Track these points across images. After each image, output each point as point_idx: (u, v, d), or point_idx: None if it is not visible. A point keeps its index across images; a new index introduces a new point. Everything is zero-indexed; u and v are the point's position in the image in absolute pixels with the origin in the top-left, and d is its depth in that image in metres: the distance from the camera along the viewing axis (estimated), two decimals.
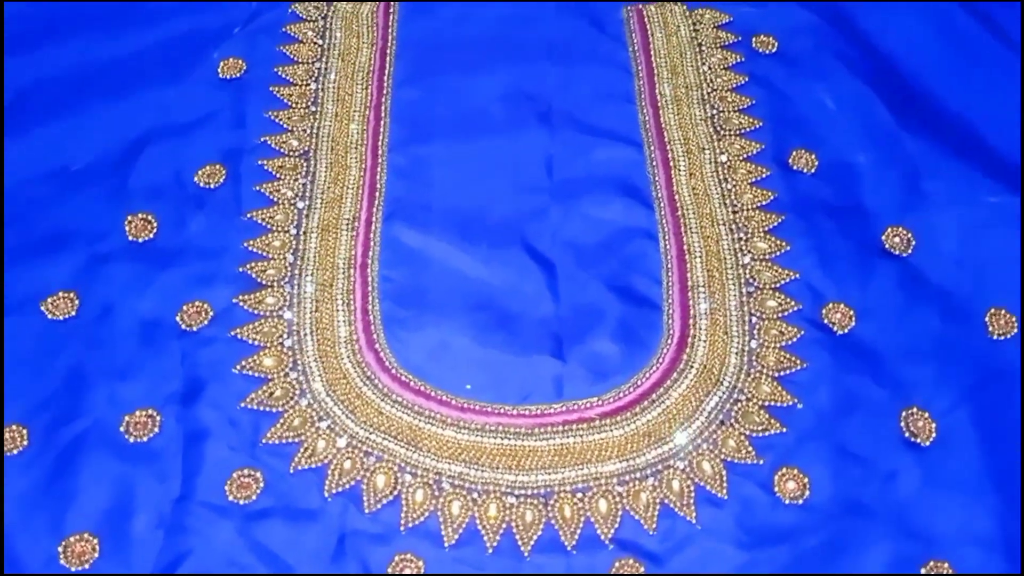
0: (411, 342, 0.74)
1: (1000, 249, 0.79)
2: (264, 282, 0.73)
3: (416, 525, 0.64)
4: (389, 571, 0.66)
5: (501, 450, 0.70)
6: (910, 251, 0.79)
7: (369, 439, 0.71)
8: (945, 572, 0.66)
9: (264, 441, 0.67)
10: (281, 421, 0.69)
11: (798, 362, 0.72)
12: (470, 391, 0.73)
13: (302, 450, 0.69)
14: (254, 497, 0.65)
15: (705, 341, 0.75)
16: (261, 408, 0.68)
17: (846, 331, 0.76)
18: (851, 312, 0.76)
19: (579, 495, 0.69)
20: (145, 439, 0.69)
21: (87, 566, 0.65)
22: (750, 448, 0.70)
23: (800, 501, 0.68)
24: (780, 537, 0.67)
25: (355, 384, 0.73)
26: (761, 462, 0.68)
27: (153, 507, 0.67)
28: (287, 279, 0.75)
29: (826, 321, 0.76)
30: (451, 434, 0.71)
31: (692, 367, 0.74)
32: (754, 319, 0.76)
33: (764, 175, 0.82)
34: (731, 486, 0.66)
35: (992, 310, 0.76)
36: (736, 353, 0.74)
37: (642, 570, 0.66)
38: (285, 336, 0.74)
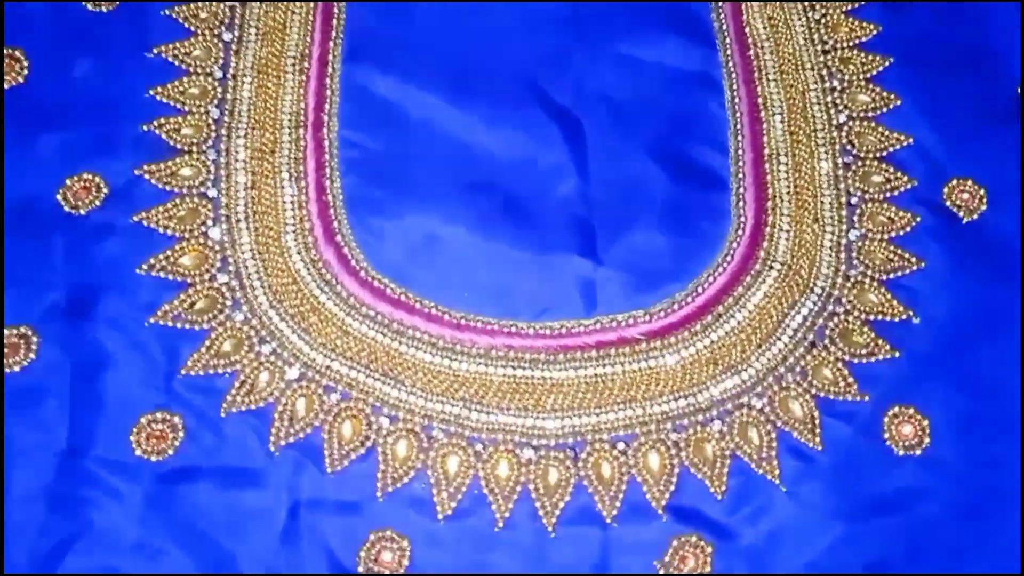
0: (386, 234, 0.54)
1: None
2: (179, 146, 0.52)
3: (398, 489, 0.47)
4: (362, 555, 0.48)
5: (514, 384, 0.51)
6: None
7: (330, 369, 0.51)
8: None
9: (183, 372, 0.48)
10: (206, 344, 0.49)
11: (913, 260, 0.52)
12: (468, 301, 0.53)
13: (237, 385, 0.49)
14: (171, 452, 0.48)
15: (789, 231, 0.55)
16: (178, 325, 0.50)
17: (975, 217, 0.56)
18: (981, 192, 0.56)
19: (621, 446, 0.50)
20: (16, 369, 0.49)
21: None
22: (851, 380, 0.51)
23: (918, 452, 0.51)
24: (892, 503, 0.50)
25: (310, 292, 0.52)
26: (866, 399, 0.50)
27: (29, 468, 0.47)
28: (211, 142, 0.53)
29: (949, 203, 0.56)
30: (444, 362, 0.51)
31: (772, 267, 0.54)
32: (854, 201, 0.55)
33: (864, 2, 0.59)
34: (826, 432, 0.50)
35: None
36: (831, 248, 0.54)
37: (709, 551, 0.48)
38: (210, 223, 0.52)
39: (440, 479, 0.50)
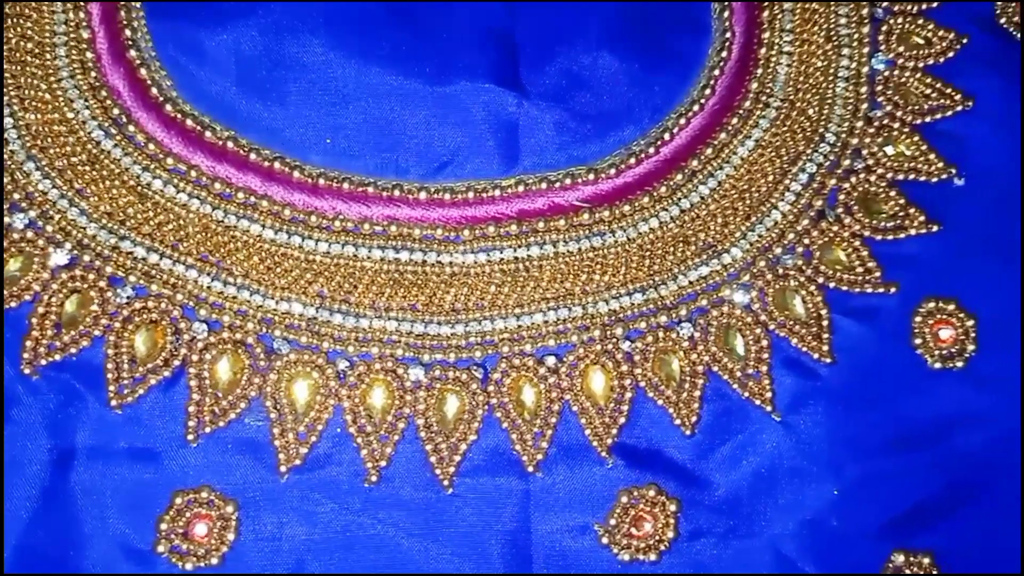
0: (207, 49, 0.36)
1: None
2: None
3: (221, 430, 0.31)
4: (163, 529, 0.32)
5: (396, 273, 0.35)
6: None
7: (118, 251, 0.34)
8: None
9: None
10: None
11: (957, 97, 0.38)
12: (331, 150, 0.36)
13: None
14: None
15: (791, 54, 0.38)
16: None
17: None
18: None
19: (551, 362, 0.34)
20: None
21: None
22: (872, 264, 0.36)
23: (959, 364, 0.36)
24: (924, 434, 0.36)
25: (87, 134, 0.35)
26: (892, 291, 0.35)
27: None
28: None
29: (1004, 21, 0.41)
30: (293, 240, 0.35)
31: (767, 105, 0.38)
32: (880, 14, 0.40)
33: None
34: (837, 338, 0.36)
35: None
36: (848, 79, 0.38)
37: (673, 509, 0.33)
38: None
39: (284, 413, 0.34)
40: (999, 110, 0.40)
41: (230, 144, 0.36)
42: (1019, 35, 0.41)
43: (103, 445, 0.33)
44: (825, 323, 0.37)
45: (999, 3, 0.41)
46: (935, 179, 0.39)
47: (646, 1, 0.40)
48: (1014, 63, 0.41)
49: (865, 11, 0.41)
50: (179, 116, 0.36)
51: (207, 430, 0.34)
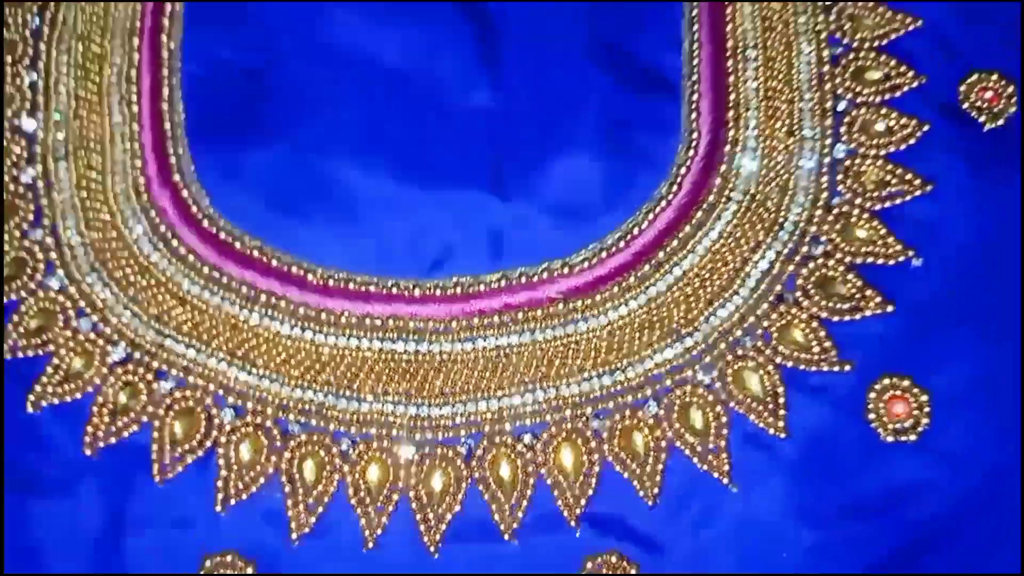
0: (243, 168, 0.41)
1: None
2: None
3: (244, 501, 0.37)
4: None
5: (392, 362, 0.40)
6: None
7: (163, 348, 0.40)
8: None
9: None
10: (14, 320, 0.40)
11: (916, 182, 0.40)
12: (341, 252, 0.42)
13: (50, 371, 0.39)
14: None
15: (755, 149, 0.42)
16: None
17: (1000, 123, 0.42)
18: (1010, 89, 0.43)
19: (528, 439, 0.39)
20: None
21: None
22: (828, 344, 0.39)
23: (913, 437, 0.39)
24: (877, 505, 0.39)
25: (139, 248, 0.41)
26: (848, 368, 0.38)
27: None
28: (22, 55, 0.42)
29: (967, 106, 0.42)
30: (306, 335, 0.41)
31: (730, 199, 0.41)
32: (842, 106, 0.42)
33: None
34: (793, 414, 0.39)
35: None
36: (809, 169, 0.42)
37: (633, 573, 0.37)
38: (24, 161, 0.41)
39: (296, 487, 0.39)
40: (959, 192, 0.42)
41: (254, 253, 0.42)
42: (982, 119, 0.44)
43: (149, 514, 0.40)
44: (781, 400, 0.40)
45: (963, 88, 0.44)
46: (892, 261, 0.42)
47: (620, 104, 0.44)
48: (976, 146, 0.43)
49: (828, 105, 0.44)
50: (213, 229, 0.43)
51: (233, 502, 0.40)
